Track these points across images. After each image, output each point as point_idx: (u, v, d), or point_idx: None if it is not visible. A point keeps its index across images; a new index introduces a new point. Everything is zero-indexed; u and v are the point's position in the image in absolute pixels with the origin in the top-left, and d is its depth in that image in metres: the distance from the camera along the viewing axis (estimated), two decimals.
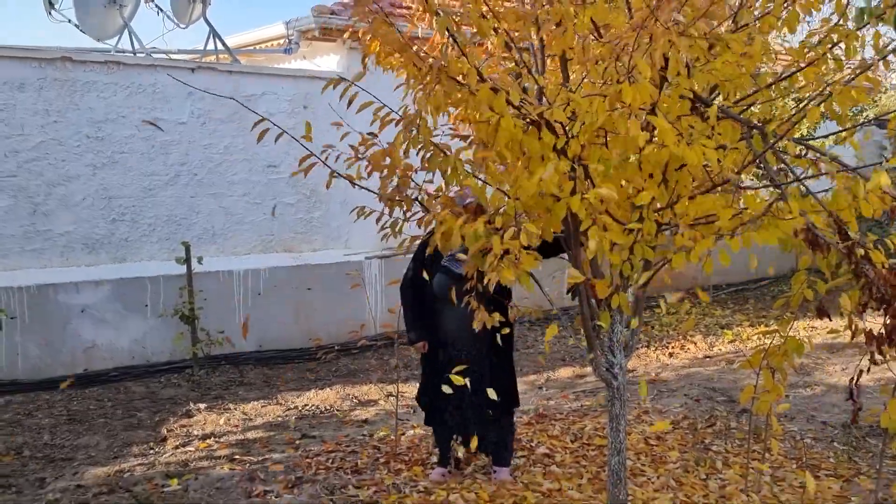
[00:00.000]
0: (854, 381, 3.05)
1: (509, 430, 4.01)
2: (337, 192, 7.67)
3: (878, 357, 2.81)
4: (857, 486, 3.83)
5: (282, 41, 8.12)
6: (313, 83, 7.57)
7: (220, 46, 7.83)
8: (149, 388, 6.24)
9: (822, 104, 3.23)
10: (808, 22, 3.63)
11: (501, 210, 3.02)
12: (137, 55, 7.42)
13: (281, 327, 7.17)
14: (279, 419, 5.41)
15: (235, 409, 5.64)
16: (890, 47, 3.29)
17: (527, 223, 2.73)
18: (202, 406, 5.65)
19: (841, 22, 3.22)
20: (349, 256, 7.75)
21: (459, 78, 2.67)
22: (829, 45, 3.29)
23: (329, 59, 8.03)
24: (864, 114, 9.10)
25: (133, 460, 4.55)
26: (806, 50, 3.39)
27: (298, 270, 7.30)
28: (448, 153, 2.85)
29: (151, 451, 4.72)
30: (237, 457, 4.52)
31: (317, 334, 7.22)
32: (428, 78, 2.63)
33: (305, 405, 5.75)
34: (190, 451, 4.69)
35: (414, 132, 2.73)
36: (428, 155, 2.84)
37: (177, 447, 4.78)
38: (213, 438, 4.94)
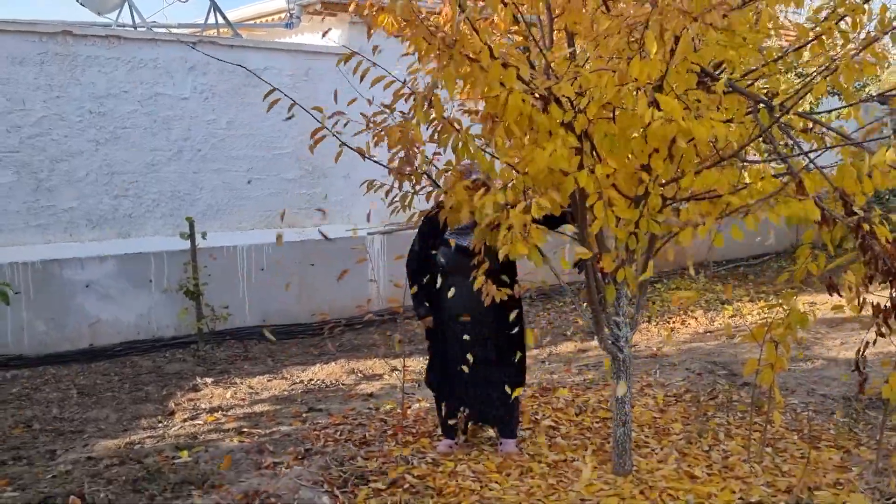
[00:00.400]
0: (861, 353, 3.09)
1: (515, 403, 4.05)
2: (339, 167, 7.65)
3: (884, 330, 2.86)
4: (857, 457, 3.89)
5: (283, 15, 8.07)
6: (315, 58, 7.54)
7: (220, 20, 7.78)
8: (155, 362, 6.29)
9: (829, 77, 3.25)
10: None
11: (510, 184, 3.04)
12: (138, 29, 7.37)
13: (284, 302, 7.21)
14: (285, 393, 5.47)
15: (241, 383, 5.69)
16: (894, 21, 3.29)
17: (537, 197, 2.75)
18: (209, 380, 5.71)
19: None
20: (351, 232, 7.76)
21: (471, 54, 2.68)
22: (836, 20, 3.29)
23: (331, 34, 7.96)
24: (867, 89, 9.08)
25: (142, 433, 4.61)
26: (812, 25, 3.39)
27: (301, 246, 7.32)
28: (458, 129, 2.86)
29: (160, 424, 4.78)
30: (245, 429, 4.58)
31: (320, 310, 7.27)
32: (439, 53, 2.64)
33: (311, 379, 5.81)
34: (198, 424, 4.75)
35: (426, 107, 2.74)
36: (438, 128, 2.84)
37: (185, 420, 4.84)
38: (220, 412, 4.99)
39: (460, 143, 2.86)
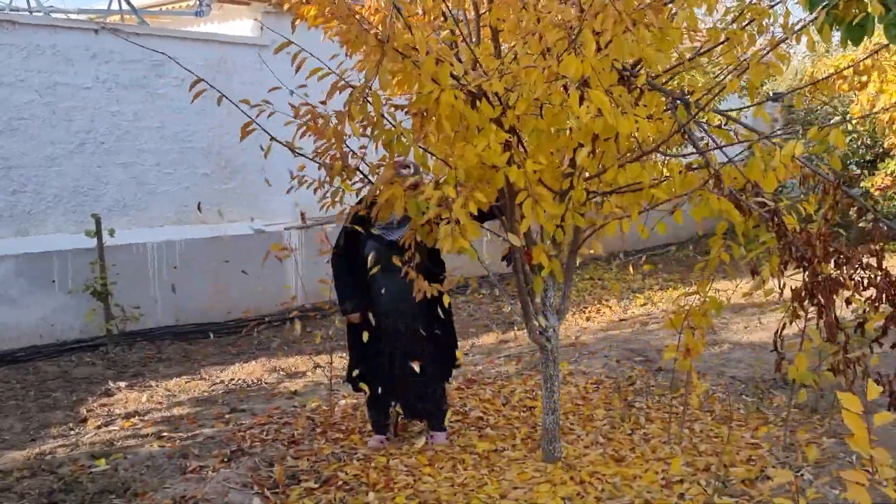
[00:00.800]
0: (778, 334, 3.28)
1: (443, 396, 4.09)
2: (253, 161, 7.53)
3: (800, 312, 3.05)
4: (766, 434, 4.13)
5: (191, 3, 7.78)
6: (229, 48, 7.32)
7: (125, 6, 7.41)
8: (61, 367, 5.97)
9: (741, 76, 3.43)
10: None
11: (442, 179, 3.06)
12: (34, 14, 6.93)
13: (198, 301, 6.98)
14: (205, 394, 5.30)
15: (157, 385, 5.48)
16: (798, 25, 3.51)
17: (474, 192, 2.78)
18: (122, 384, 5.47)
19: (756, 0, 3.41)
20: (267, 227, 7.60)
21: (402, 50, 2.67)
22: (745, 23, 3.47)
23: (243, 24, 7.75)
24: (763, 87, 9.63)
25: (53, 442, 4.37)
26: (722, 26, 3.56)
27: (215, 242, 7.11)
28: (393, 124, 2.85)
29: (72, 432, 4.54)
30: (165, 434, 4.42)
31: (235, 307, 7.09)
32: (372, 49, 2.61)
33: (231, 379, 5.66)
34: (114, 430, 4.54)
35: (362, 103, 2.71)
36: (373, 123, 2.82)
37: (99, 427, 4.61)
38: (137, 417, 4.79)
39: (394, 139, 2.85)
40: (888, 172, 9.49)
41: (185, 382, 5.58)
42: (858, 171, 10.58)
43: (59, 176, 6.51)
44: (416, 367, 3.76)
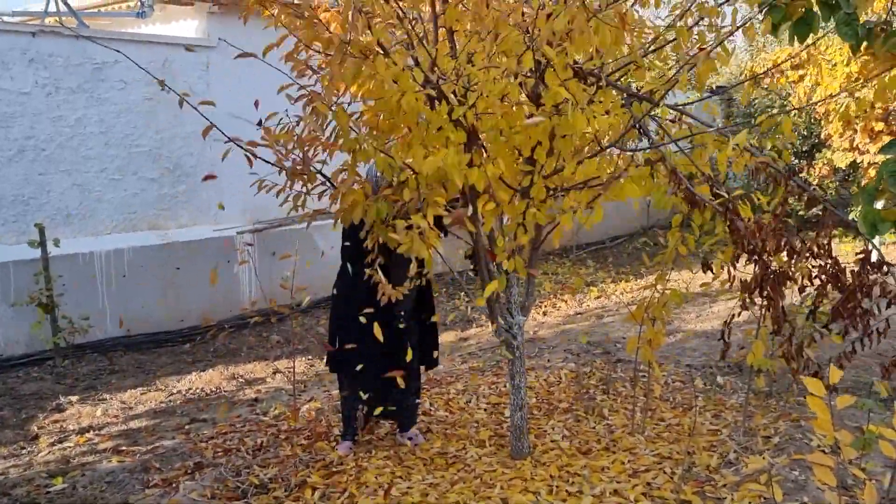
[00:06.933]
0: (728, 324, 3.37)
1: (419, 391, 4.10)
2: (202, 165, 7.38)
3: (748, 303, 3.13)
4: (724, 420, 4.24)
5: (131, 4, 7.56)
6: (172, 50, 7.14)
7: (63, 8, 7.17)
8: (6, 383, 5.74)
9: (690, 71, 3.51)
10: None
11: (404, 179, 3.06)
12: None
13: (149, 309, 6.81)
14: (163, 405, 5.17)
15: (112, 398, 5.33)
16: (745, 21, 3.61)
17: (433, 195, 2.77)
18: (73, 398, 5.29)
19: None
20: (219, 232, 7.46)
21: (363, 52, 2.64)
22: (696, 22, 3.56)
23: (186, 25, 7.58)
24: (706, 82, 9.86)
25: (3, 462, 4.20)
26: (667, 25, 3.64)
27: (165, 249, 6.94)
28: (357, 132, 2.83)
29: (24, 451, 4.38)
30: (124, 448, 4.30)
31: (188, 315, 6.95)
32: (334, 52, 2.58)
33: (189, 389, 5.53)
34: (68, 447, 4.39)
35: (328, 116, 2.68)
36: (337, 132, 2.79)
37: (52, 444, 4.46)
38: (92, 432, 4.64)
39: (358, 147, 2.82)
40: (825, 162, 9.84)
41: (141, 394, 5.43)
42: (796, 161, 10.95)
43: None
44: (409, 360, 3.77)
